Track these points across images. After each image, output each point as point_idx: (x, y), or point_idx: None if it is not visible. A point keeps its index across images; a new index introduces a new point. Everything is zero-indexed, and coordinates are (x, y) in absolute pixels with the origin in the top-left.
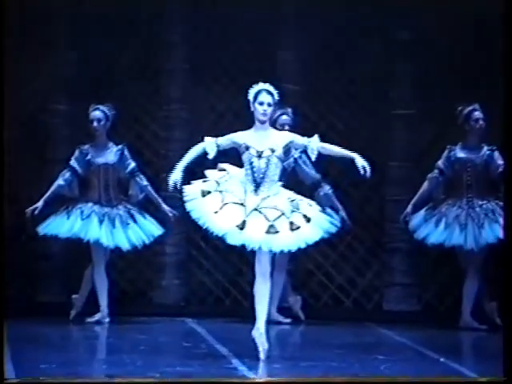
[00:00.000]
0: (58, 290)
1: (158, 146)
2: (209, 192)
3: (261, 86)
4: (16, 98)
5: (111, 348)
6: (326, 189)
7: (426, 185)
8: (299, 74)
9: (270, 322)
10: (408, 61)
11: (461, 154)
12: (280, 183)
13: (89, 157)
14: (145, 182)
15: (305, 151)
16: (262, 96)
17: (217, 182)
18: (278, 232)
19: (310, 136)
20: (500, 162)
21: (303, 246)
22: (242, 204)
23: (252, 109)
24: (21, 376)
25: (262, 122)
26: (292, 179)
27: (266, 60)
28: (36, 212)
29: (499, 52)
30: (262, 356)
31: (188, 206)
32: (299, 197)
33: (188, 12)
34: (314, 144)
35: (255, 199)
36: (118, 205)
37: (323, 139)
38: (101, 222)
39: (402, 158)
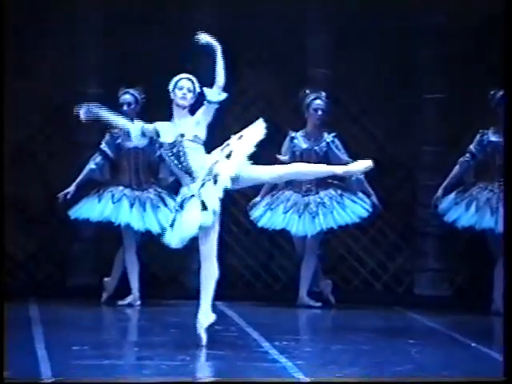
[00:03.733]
0: (90, 273)
1: None
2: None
3: (180, 75)
4: (47, 84)
5: (142, 331)
6: (358, 173)
7: (456, 168)
8: (329, 59)
9: (300, 305)
10: (441, 46)
11: (493, 138)
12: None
13: (119, 140)
14: None
15: (336, 136)
16: (182, 82)
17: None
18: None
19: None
20: None
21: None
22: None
23: (172, 97)
24: (53, 357)
25: (183, 108)
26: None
27: (296, 46)
28: (68, 196)
29: None
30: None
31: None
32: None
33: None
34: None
35: (196, 185)
36: (148, 188)
37: (355, 123)
38: (131, 205)
39: (435, 143)
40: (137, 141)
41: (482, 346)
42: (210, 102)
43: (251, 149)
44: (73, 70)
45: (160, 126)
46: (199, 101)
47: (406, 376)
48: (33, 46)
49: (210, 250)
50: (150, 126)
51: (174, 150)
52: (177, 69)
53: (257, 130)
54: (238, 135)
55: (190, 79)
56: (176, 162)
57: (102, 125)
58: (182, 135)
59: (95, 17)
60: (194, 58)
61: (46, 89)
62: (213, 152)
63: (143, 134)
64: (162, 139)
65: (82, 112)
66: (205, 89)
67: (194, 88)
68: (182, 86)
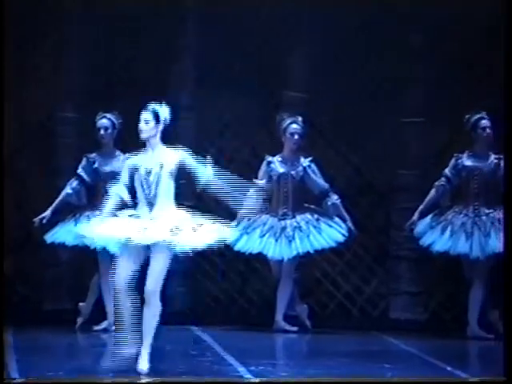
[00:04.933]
0: (65, 297)
1: None
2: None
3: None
4: (23, 106)
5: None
6: (334, 198)
7: (432, 193)
8: (307, 82)
9: (276, 330)
10: (418, 69)
11: (468, 162)
12: (174, 203)
13: (96, 165)
14: None
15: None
16: (142, 114)
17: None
18: (181, 231)
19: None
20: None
21: (207, 246)
22: (137, 216)
23: None
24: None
25: (145, 141)
26: (300, 188)
27: (272, 69)
28: (44, 221)
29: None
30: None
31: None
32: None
33: (197, 21)
34: (202, 175)
35: (150, 216)
36: None
37: (331, 147)
38: None
39: (411, 166)
40: (129, 195)
41: (457, 370)
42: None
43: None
44: (50, 93)
45: (131, 161)
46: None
47: (406, 376)
48: (11, 67)
49: (157, 285)
50: (124, 175)
51: (150, 178)
52: (156, 93)
53: (213, 234)
54: (198, 224)
55: (151, 109)
56: (147, 189)
57: (79, 149)
58: (162, 166)
59: (72, 40)
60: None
61: (22, 112)
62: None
63: (127, 185)
64: (141, 167)
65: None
66: (198, 175)
67: (157, 117)
68: (141, 119)
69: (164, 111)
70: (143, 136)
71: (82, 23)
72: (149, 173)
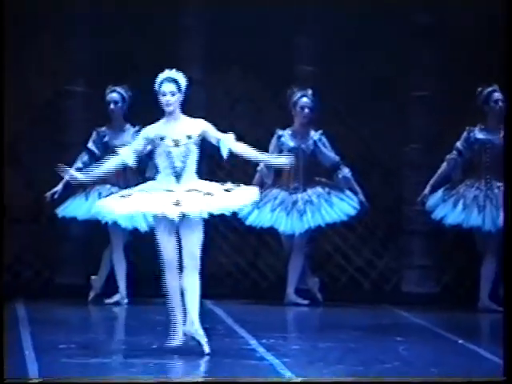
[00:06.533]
0: (77, 271)
1: None
2: (130, 194)
3: (164, 74)
4: (33, 82)
5: (129, 329)
6: (345, 171)
7: (444, 166)
8: (316, 56)
9: (288, 303)
10: (426, 45)
11: (480, 136)
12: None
13: (106, 139)
14: None
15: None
16: (164, 86)
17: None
18: (213, 195)
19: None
20: None
21: (238, 208)
22: (169, 190)
23: (159, 99)
24: (40, 357)
25: (170, 113)
26: (310, 162)
27: (282, 43)
28: (56, 196)
29: None
30: (206, 349)
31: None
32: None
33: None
34: (227, 142)
35: (180, 187)
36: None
37: (341, 122)
38: None
39: (422, 141)
40: (135, 163)
41: (469, 343)
42: (217, 144)
43: (233, 205)
44: (59, 68)
45: (151, 131)
46: None
47: (398, 375)
48: (18, 44)
49: (196, 257)
50: (138, 142)
51: (180, 149)
52: (162, 66)
53: (247, 195)
54: (229, 187)
55: (172, 80)
56: (176, 160)
57: (89, 124)
58: (190, 137)
59: (82, 15)
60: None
61: (31, 88)
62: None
63: (140, 153)
64: (166, 138)
65: (68, 176)
66: (221, 142)
67: (179, 88)
68: (165, 92)
69: (183, 80)
70: (171, 108)
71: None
72: (177, 144)
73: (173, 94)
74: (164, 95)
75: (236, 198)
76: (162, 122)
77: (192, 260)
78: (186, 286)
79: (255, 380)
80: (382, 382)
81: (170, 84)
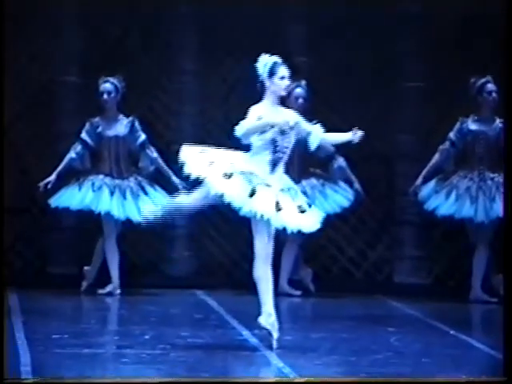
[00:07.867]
0: (70, 261)
1: (168, 118)
2: (231, 174)
3: (274, 58)
4: (26, 72)
5: (122, 319)
6: (340, 161)
7: (436, 156)
8: (309, 47)
9: (280, 294)
10: (419, 34)
11: (473, 126)
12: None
13: (99, 129)
14: (155, 154)
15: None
16: (282, 70)
17: (231, 163)
18: (305, 211)
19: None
20: None
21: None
22: (267, 185)
23: (268, 83)
24: (33, 347)
25: (280, 98)
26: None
27: (276, 33)
28: (49, 186)
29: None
30: (274, 345)
31: (213, 189)
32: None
33: None
34: (317, 134)
35: (274, 178)
36: (128, 177)
37: (334, 112)
38: (112, 193)
39: (414, 131)
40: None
41: (461, 334)
42: (306, 138)
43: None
44: (52, 58)
45: (270, 116)
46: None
47: (396, 375)
48: (11, 33)
49: (270, 250)
50: (258, 125)
51: (287, 139)
52: (156, 56)
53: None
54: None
55: (285, 66)
56: (280, 148)
57: (82, 114)
58: (292, 127)
59: (76, 5)
60: None
61: (24, 77)
62: None
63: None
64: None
65: None
66: (312, 135)
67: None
68: (284, 76)
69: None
70: (285, 93)
71: None
72: (283, 132)
73: (288, 79)
74: (282, 79)
75: (315, 222)
76: (267, 107)
77: (263, 250)
78: (260, 276)
79: (255, 380)
80: (383, 382)
81: (286, 69)
